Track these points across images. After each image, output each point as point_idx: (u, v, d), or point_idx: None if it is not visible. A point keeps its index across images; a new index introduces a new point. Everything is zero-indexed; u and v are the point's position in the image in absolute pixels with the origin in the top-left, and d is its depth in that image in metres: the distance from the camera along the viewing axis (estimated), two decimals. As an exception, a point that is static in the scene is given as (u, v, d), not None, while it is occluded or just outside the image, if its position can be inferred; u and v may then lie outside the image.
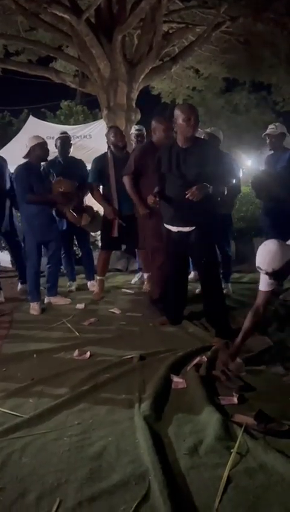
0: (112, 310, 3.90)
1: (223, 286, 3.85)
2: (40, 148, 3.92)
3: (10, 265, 5.55)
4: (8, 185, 4.33)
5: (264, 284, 2.52)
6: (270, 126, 4.05)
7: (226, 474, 1.66)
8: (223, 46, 9.27)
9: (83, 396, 2.30)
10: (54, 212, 4.14)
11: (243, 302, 3.99)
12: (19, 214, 4.37)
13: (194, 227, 3.15)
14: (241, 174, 5.09)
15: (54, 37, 8.66)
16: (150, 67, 8.20)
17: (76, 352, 2.93)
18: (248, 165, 12.85)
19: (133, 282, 5.01)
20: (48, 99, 16.19)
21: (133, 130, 4.86)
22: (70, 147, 4.64)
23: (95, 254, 4.78)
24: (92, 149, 7.14)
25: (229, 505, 1.52)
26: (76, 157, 4.77)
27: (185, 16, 8.56)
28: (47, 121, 11.60)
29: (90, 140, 8.22)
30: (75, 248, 5.13)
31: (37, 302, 3.96)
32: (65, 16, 7.08)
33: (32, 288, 3.99)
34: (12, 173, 4.26)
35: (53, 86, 10.44)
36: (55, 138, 4.67)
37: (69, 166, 4.51)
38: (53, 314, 3.86)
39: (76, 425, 2.05)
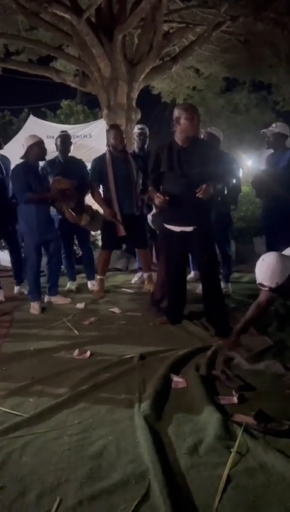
0: (112, 310, 3.91)
1: (223, 286, 3.86)
2: (37, 147, 3.91)
3: (10, 265, 5.55)
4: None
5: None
6: (272, 125, 4.05)
7: (226, 473, 1.66)
8: (224, 46, 9.26)
9: (83, 396, 2.31)
10: (54, 211, 4.14)
11: (243, 301, 3.99)
12: None
13: (195, 227, 3.15)
14: (241, 174, 5.10)
15: (54, 36, 8.65)
16: (151, 67, 8.19)
17: (76, 352, 2.93)
18: (248, 164, 12.84)
19: (133, 281, 5.01)
20: (48, 98, 16.18)
21: (136, 129, 4.87)
22: (71, 146, 4.63)
23: (95, 253, 4.78)
24: (92, 148, 7.14)
25: (229, 504, 1.52)
26: (76, 156, 4.76)
27: (186, 15, 8.55)
28: (47, 121, 11.58)
29: (91, 140, 8.21)
30: (75, 247, 5.13)
31: (37, 301, 3.96)
32: (66, 15, 7.07)
33: (32, 288, 3.99)
34: None
35: (53, 86, 10.45)
36: (55, 137, 4.67)
37: (69, 165, 4.51)
38: (53, 314, 3.86)
39: (76, 425, 2.05)
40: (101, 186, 4.35)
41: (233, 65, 9.98)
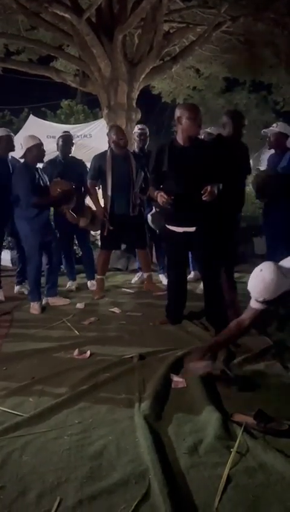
0: (112, 309, 3.91)
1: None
2: (36, 149, 3.91)
3: (10, 265, 5.56)
4: None
5: (254, 301, 2.30)
6: (273, 125, 4.05)
7: (226, 473, 1.66)
8: (224, 46, 9.25)
9: (83, 396, 2.31)
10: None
11: (243, 301, 3.99)
12: None
13: (197, 227, 3.15)
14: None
15: (54, 36, 8.64)
16: (151, 67, 8.19)
17: (76, 352, 2.93)
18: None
19: (133, 281, 5.01)
20: (48, 98, 16.17)
21: (136, 129, 4.87)
22: (72, 146, 4.63)
23: (95, 253, 4.79)
24: (92, 148, 7.16)
25: (229, 504, 1.52)
26: (76, 156, 4.77)
27: (186, 15, 8.54)
28: (47, 120, 11.60)
29: (91, 140, 8.24)
30: (75, 247, 5.13)
31: (38, 301, 3.96)
32: (66, 15, 7.08)
33: (32, 288, 3.99)
34: None
35: (53, 85, 10.45)
36: (56, 137, 4.67)
37: (69, 166, 4.52)
38: (53, 314, 3.86)
39: (76, 424, 2.05)
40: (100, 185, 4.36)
41: (233, 65, 9.97)
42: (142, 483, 1.63)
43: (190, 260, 4.59)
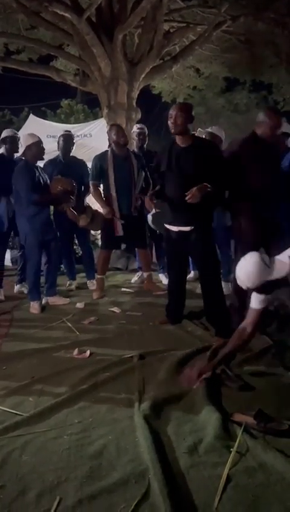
0: (112, 309, 3.91)
1: (223, 286, 3.85)
2: (35, 147, 3.91)
3: (10, 264, 5.56)
4: None
5: (255, 300, 2.32)
6: None
7: (225, 473, 1.66)
8: (224, 46, 9.25)
9: (83, 395, 2.31)
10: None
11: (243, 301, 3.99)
12: None
13: (193, 227, 3.15)
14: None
15: (54, 35, 8.63)
16: (151, 66, 8.18)
17: (76, 351, 2.93)
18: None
19: (133, 281, 5.01)
20: (48, 97, 16.16)
21: (135, 128, 4.87)
22: (73, 146, 4.63)
23: (95, 253, 4.79)
24: (92, 148, 7.14)
25: (229, 504, 1.52)
26: (76, 155, 4.77)
27: (186, 15, 8.54)
28: (47, 120, 11.58)
29: (91, 139, 8.21)
30: (75, 247, 5.13)
31: (37, 301, 3.96)
32: (66, 14, 7.07)
33: (32, 287, 3.99)
34: None
35: (53, 85, 10.42)
36: (58, 136, 4.66)
37: (70, 165, 4.51)
38: (53, 313, 3.86)
39: (76, 424, 2.05)
40: (101, 185, 4.35)
41: (233, 65, 9.96)
42: (142, 482, 1.63)
43: (190, 260, 4.58)
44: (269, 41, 8.67)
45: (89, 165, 4.47)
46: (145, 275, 4.64)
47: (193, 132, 3.31)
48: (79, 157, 4.84)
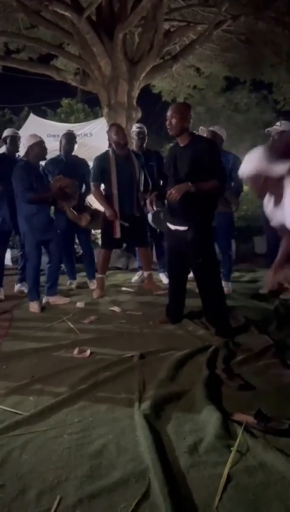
0: (112, 309, 3.91)
1: (223, 285, 3.85)
2: (37, 147, 3.92)
3: (10, 263, 5.56)
4: None
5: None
6: (276, 123, 4.04)
7: (226, 472, 1.66)
8: (224, 45, 9.25)
9: (83, 395, 2.31)
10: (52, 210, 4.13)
11: (243, 301, 3.99)
12: None
13: (188, 226, 3.14)
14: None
15: (54, 34, 8.63)
16: (151, 66, 8.18)
17: (76, 350, 2.93)
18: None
19: (133, 280, 5.01)
20: (48, 97, 16.18)
21: (135, 128, 4.86)
22: (75, 145, 4.64)
23: (96, 252, 4.79)
24: (93, 147, 7.15)
25: (229, 503, 1.52)
26: (76, 155, 4.77)
27: (186, 14, 8.53)
28: (47, 119, 11.58)
29: (91, 139, 8.22)
30: (75, 246, 5.13)
31: (37, 300, 3.96)
32: (66, 13, 7.07)
33: (31, 287, 3.99)
34: None
35: (54, 84, 10.43)
36: (60, 136, 4.67)
37: (71, 164, 4.52)
38: (53, 312, 3.86)
39: (76, 423, 2.05)
40: (102, 185, 4.34)
41: (234, 64, 9.96)
42: (142, 482, 1.63)
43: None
44: (269, 41, 8.66)
45: (91, 164, 4.47)
46: (145, 274, 4.64)
47: (194, 131, 3.30)
48: (79, 156, 4.84)
